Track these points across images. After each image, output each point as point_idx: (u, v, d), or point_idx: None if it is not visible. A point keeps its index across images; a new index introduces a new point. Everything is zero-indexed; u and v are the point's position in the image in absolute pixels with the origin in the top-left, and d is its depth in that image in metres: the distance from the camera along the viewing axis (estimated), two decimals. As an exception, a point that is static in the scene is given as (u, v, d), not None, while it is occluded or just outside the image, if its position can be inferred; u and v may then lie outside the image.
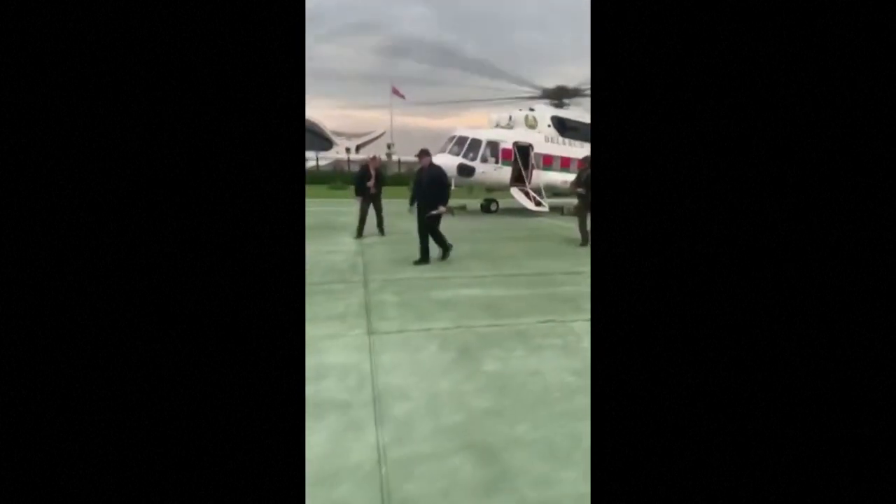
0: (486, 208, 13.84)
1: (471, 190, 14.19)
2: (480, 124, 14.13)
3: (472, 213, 13.69)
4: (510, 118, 13.89)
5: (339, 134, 70.89)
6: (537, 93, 15.37)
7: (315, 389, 2.79)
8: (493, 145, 12.88)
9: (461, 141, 12.87)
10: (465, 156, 12.63)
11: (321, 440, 2.28)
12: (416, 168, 6.86)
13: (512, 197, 13.57)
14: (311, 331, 3.77)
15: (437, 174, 6.49)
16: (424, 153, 6.64)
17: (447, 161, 12.71)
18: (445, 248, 6.69)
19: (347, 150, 61.85)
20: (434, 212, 6.37)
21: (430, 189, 6.39)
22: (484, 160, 12.73)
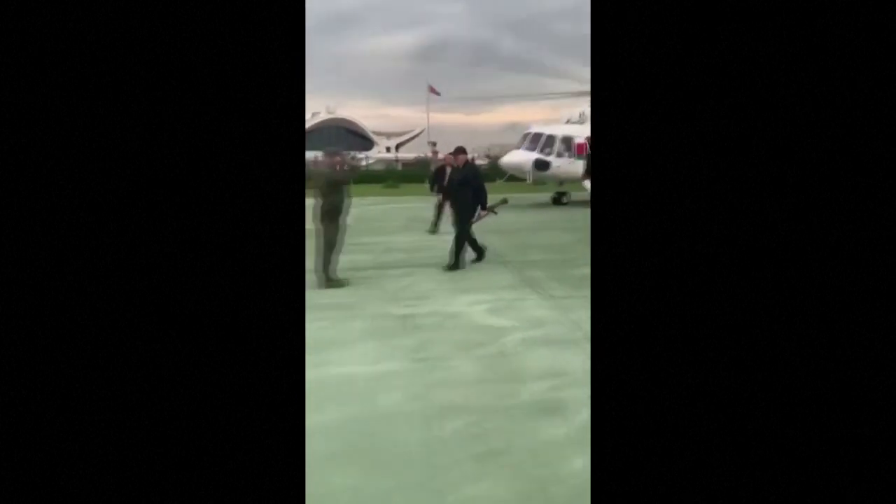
0: (558, 200, 14.62)
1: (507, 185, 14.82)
2: (534, 119, 14.82)
3: (544, 205, 14.52)
4: (580, 114, 14.64)
5: (378, 134, 72.21)
6: (580, 87, 15.87)
7: (547, 331, 3.71)
8: (567, 140, 13.68)
9: (536, 137, 13.74)
10: (540, 151, 13.49)
11: (581, 362, 3.19)
12: (451, 167, 6.44)
13: (584, 189, 14.31)
14: (501, 294, 4.72)
15: (472, 174, 6.08)
16: (460, 151, 6.16)
17: (524, 157, 13.62)
18: (479, 250, 6.23)
19: (388, 149, 63.05)
20: (475, 219, 5.92)
21: (463, 190, 5.93)
22: (559, 155, 13.56)
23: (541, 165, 13.53)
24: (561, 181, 14.44)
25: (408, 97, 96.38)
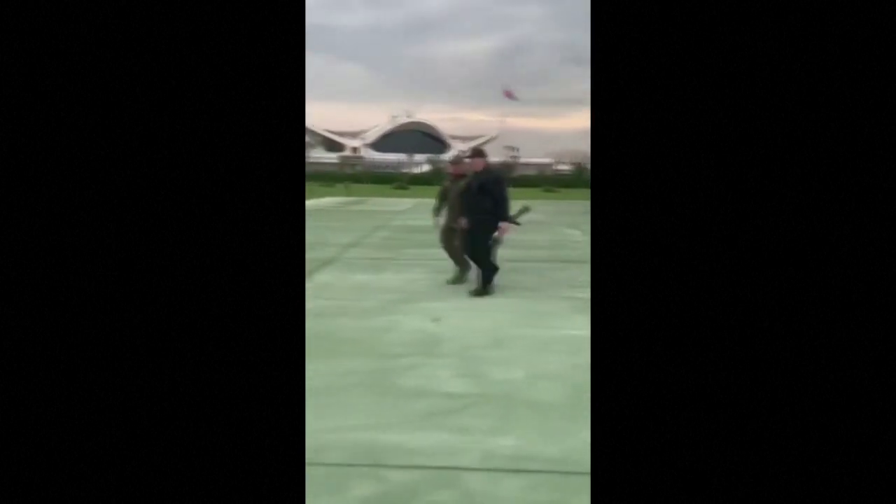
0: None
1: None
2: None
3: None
4: None
5: (454, 138, 73.61)
6: None
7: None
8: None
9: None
10: None
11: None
12: (469, 173, 5.10)
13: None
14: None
15: (492, 180, 4.84)
16: (478, 153, 5.06)
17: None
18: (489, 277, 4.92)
19: (462, 152, 64.27)
20: (497, 234, 4.83)
21: (480, 198, 4.73)
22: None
23: None
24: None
25: (482, 101, 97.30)
